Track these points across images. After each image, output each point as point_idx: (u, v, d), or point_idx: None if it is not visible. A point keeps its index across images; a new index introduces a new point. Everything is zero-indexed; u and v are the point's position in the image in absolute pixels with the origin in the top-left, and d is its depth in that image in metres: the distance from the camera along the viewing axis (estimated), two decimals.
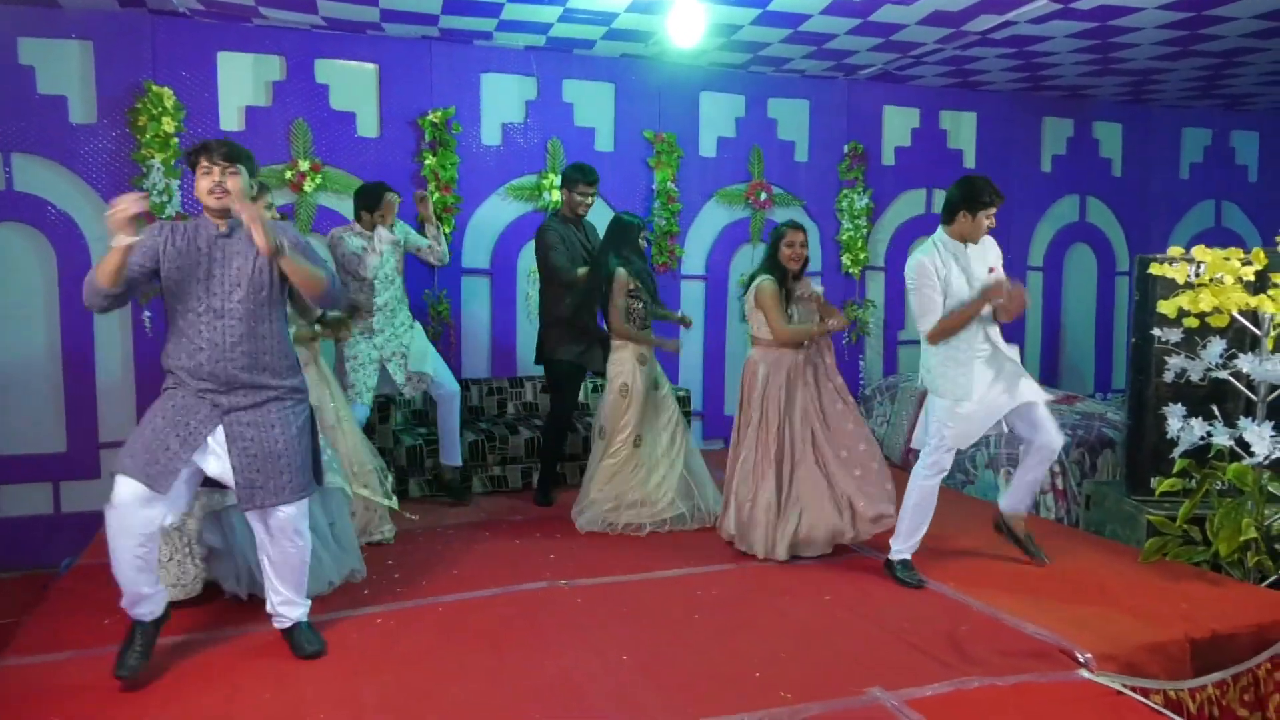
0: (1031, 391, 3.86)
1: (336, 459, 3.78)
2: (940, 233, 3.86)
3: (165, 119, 5.02)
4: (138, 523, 2.79)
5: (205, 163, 2.89)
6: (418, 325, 4.88)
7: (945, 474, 3.93)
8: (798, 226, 4.25)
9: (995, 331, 3.86)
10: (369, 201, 4.63)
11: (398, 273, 4.77)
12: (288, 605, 3.11)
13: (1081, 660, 3.08)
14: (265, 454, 2.91)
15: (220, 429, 2.89)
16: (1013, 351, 3.90)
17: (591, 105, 5.99)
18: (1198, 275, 4.23)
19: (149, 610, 2.92)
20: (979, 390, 3.81)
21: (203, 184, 2.89)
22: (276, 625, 3.13)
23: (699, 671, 3.03)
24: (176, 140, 5.08)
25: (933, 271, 3.77)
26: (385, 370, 4.71)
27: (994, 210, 3.83)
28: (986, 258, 3.89)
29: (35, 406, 5.03)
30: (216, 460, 2.90)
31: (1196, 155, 7.71)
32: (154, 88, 5.02)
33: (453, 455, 4.98)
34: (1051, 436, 3.88)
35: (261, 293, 2.94)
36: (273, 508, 2.95)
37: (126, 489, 2.79)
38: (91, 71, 5.01)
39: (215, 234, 2.92)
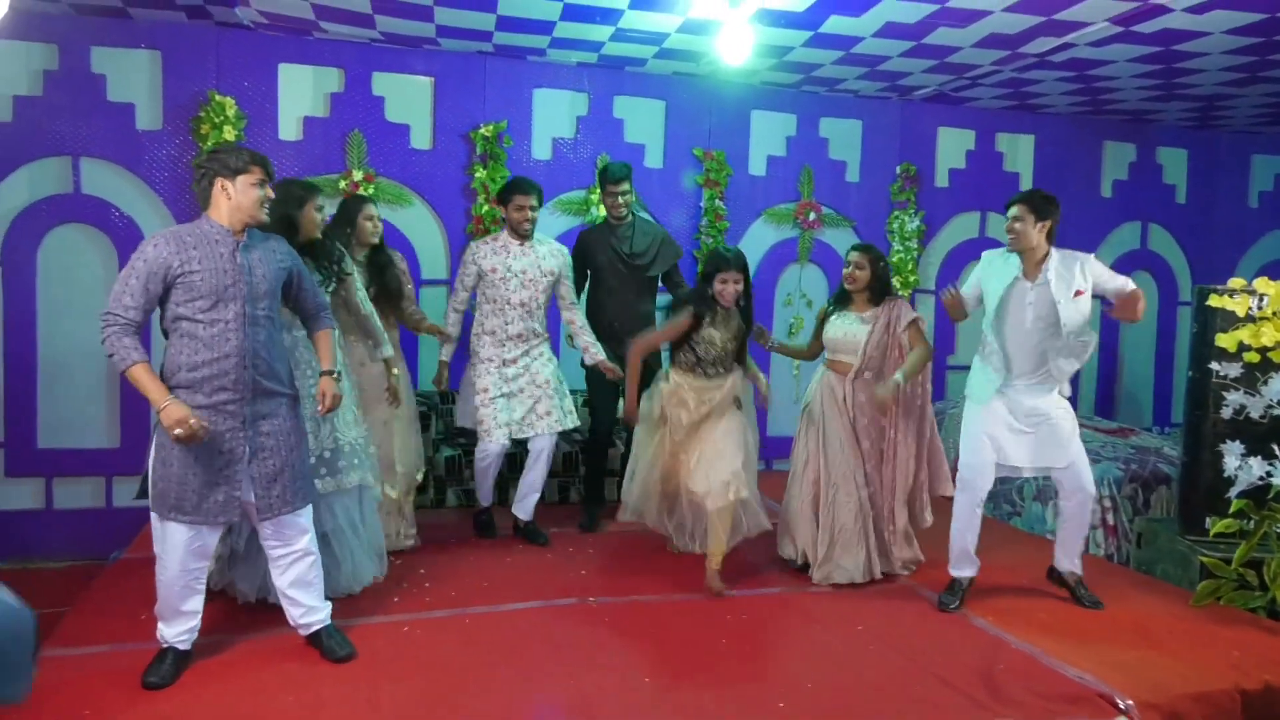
0: (1060, 456, 3.77)
1: (370, 457, 3.77)
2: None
3: (227, 127, 5.16)
4: (201, 551, 2.91)
5: (261, 175, 2.92)
6: (554, 361, 4.60)
7: (977, 494, 3.83)
8: (859, 248, 4.19)
9: (1054, 369, 3.74)
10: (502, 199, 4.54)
11: (541, 294, 4.47)
12: (310, 614, 3.13)
13: (1122, 707, 2.97)
14: (283, 462, 2.96)
15: (247, 446, 2.90)
16: (1051, 402, 3.76)
17: (642, 122, 6.01)
18: (1260, 308, 4.09)
19: (186, 635, 2.96)
20: (989, 402, 3.80)
21: (254, 195, 2.90)
22: (301, 633, 3.16)
23: (722, 696, 2.98)
24: None
25: (982, 265, 3.94)
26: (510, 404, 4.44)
27: (1009, 215, 3.77)
28: (1069, 282, 3.68)
29: (91, 402, 5.19)
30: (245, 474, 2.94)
31: (1266, 184, 7.45)
32: (217, 97, 5.16)
33: (527, 508, 4.60)
34: (1080, 495, 3.83)
35: (278, 300, 3.03)
36: (291, 514, 2.99)
37: (182, 534, 2.85)
38: (159, 80, 5.18)
39: (237, 242, 2.90)
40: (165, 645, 2.96)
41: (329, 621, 3.17)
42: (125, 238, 5.16)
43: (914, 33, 4.95)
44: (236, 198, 2.89)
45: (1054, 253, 3.73)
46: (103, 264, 5.16)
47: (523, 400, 4.41)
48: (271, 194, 2.98)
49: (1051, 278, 3.69)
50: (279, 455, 2.95)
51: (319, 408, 3.19)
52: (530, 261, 4.42)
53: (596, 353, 4.57)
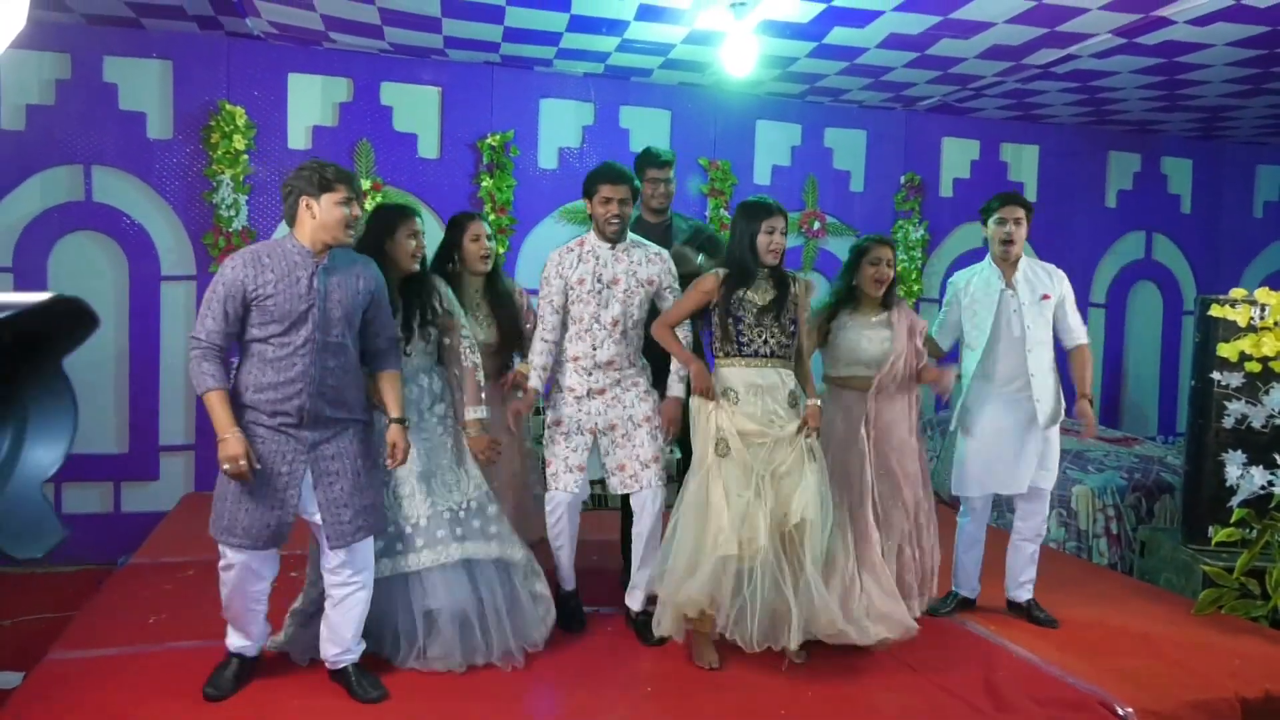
0: (1046, 478, 3.76)
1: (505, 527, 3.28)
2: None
3: (236, 136, 5.22)
4: (257, 576, 2.86)
5: (347, 193, 2.77)
6: (655, 395, 3.61)
7: (975, 514, 3.81)
8: (886, 241, 3.70)
9: (1042, 382, 3.68)
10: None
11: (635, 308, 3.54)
12: (346, 652, 2.96)
13: (1121, 714, 2.98)
14: (351, 486, 2.83)
15: (309, 470, 2.80)
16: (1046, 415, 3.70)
17: (648, 131, 6.05)
18: (1261, 318, 4.10)
19: (251, 646, 2.96)
20: (985, 426, 3.71)
21: (339, 214, 2.76)
22: (329, 666, 3.00)
23: (722, 704, 3.00)
24: (246, 157, 5.27)
25: (959, 291, 3.83)
26: (597, 445, 3.53)
27: (1005, 214, 3.71)
28: (1035, 286, 3.74)
29: (100, 408, 5.24)
30: (309, 497, 2.83)
31: (1271, 194, 7.46)
32: (227, 106, 5.22)
33: (637, 598, 3.55)
34: (1041, 518, 3.79)
35: (354, 328, 2.87)
36: (361, 541, 2.87)
37: (243, 557, 2.79)
38: (170, 90, 5.24)
39: (318, 265, 2.79)
40: (230, 651, 2.94)
41: (358, 659, 2.98)
42: (136, 245, 5.22)
43: (917, 44, 4.98)
44: (321, 217, 2.76)
45: (1024, 258, 3.79)
46: (113, 271, 5.22)
47: (615, 441, 3.48)
48: (358, 213, 2.82)
49: (1020, 280, 3.73)
50: (346, 479, 2.83)
51: (388, 460, 2.97)
52: (624, 269, 3.51)
53: (680, 387, 3.54)
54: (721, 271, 3.34)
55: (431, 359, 3.28)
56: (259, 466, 2.73)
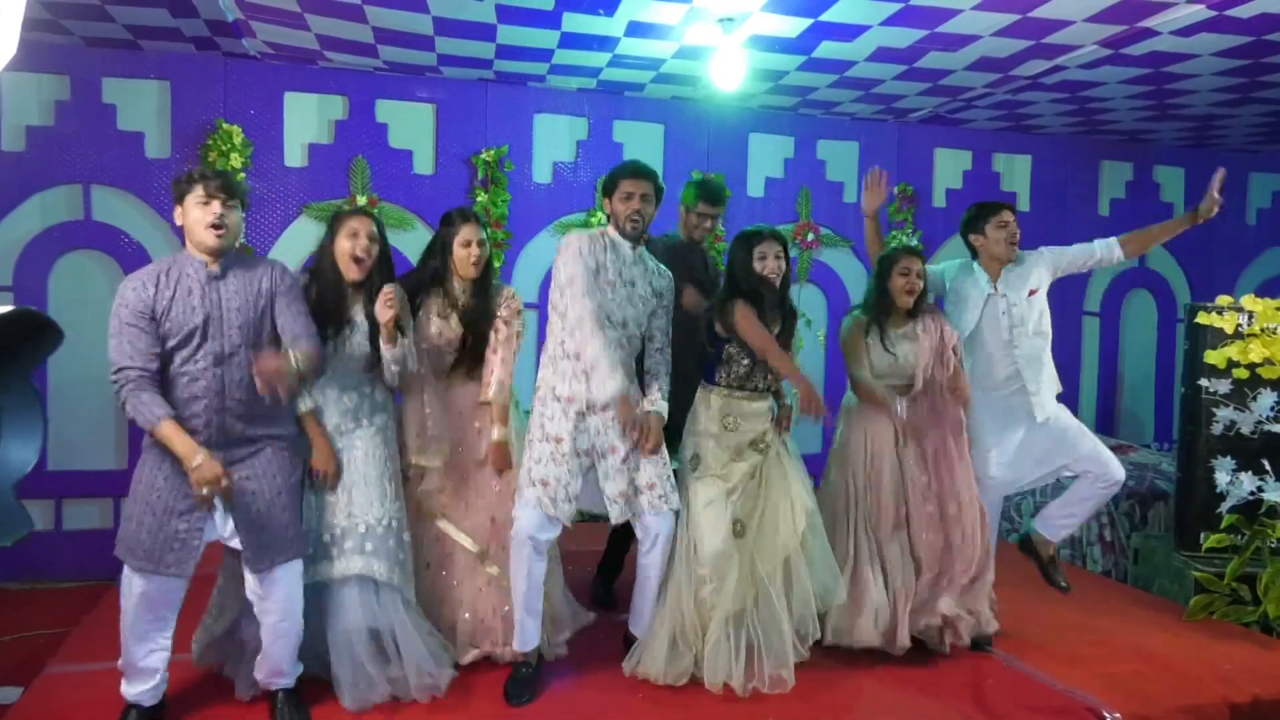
0: (1070, 450, 3.72)
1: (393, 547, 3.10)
2: (974, 264, 3.87)
3: (234, 155, 5.28)
4: (160, 603, 2.70)
5: (202, 193, 2.66)
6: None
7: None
8: (915, 251, 3.63)
9: (1034, 375, 3.72)
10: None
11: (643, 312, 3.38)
12: (277, 678, 2.89)
13: (1109, 719, 3.00)
14: (269, 506, 2.72)
15: (218, 496, 2.66)
16: (1045, 406, 3.74)
17: (641, 145, 6.10)
18: (1248, 325, 4.13)
19: (147, 693, 2.79)
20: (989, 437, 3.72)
21: (199, 215, 2.66)
22: (261, 688, 2.94)
23: (714, 711, 3.02)
24: (243, 175, 5.32)
25: (952, 273, 3.88)
26: (596, 471, 3.25)
27: (1005, 216, 3.77)
28: (1028, 278, 3.79)
29: (99, 425, 5.28)
30: (223, 519, 2.72)
31: (1264, 201, 7.49)
32: (224, 125, 5.28)
33: (639, 622, 3.37)
34: (1105, 480, 3.68)
35: (262, 335, 2.76)
36: (280, 565, 2.74)
37: (142, 584, 2.65)
38: (168, 109, 5.30)
39: (209, 274, 2.71)
40: (128, 702, 2.80)
41: (291, 686, 2.90)
42: (135, 263, 5.22)
43: (905, 57, 5.03)
44: (186, 220, 2.70)
45: None
46: (112, 289, 5.16)
47: (614, 465, 3.18)
48: (219, 211, 2.67)
49: (1007, 279, 3.79)
50: (262, 499, 2.72)
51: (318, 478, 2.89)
52: (642, 273, 3.30)
53: (663, 404, 3.32)
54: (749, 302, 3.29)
55: (371, 369, 3.12)
56: (234, 482, 2.64)
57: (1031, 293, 3.73)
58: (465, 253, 3.25)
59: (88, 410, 5.26)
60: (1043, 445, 3.72)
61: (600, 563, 4.16)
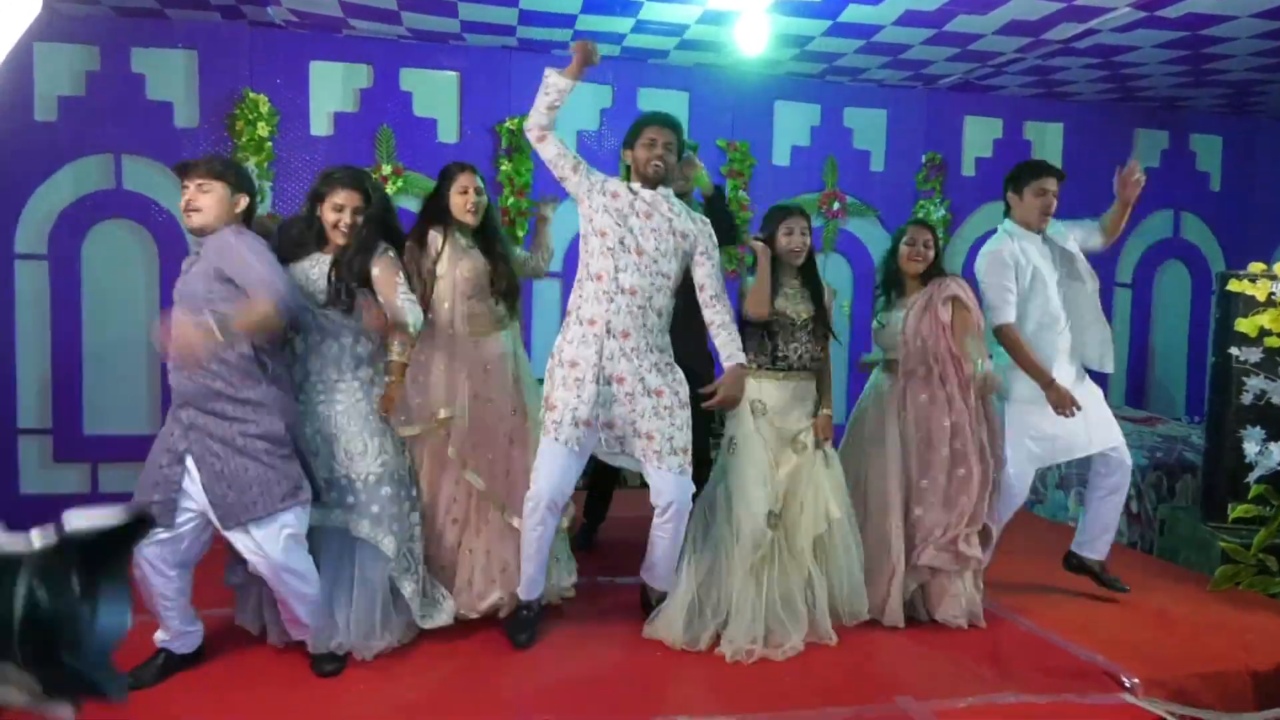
0: (1110, 435, 3.67)
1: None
2: (1007, 222, 3.78)
3: (260, 124, 5.33)
4: (160, 566, 2.79)
5: (181, 180, 2.85)
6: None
7: (1016, 501, 3.69)
8: (923, 224, 3.69)
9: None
10: None
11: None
12: (295, 627, 3.00)
13: (1127, 684, 2.99)
14: (233, 470, 2.76)
15: (190, 452, 2.77)
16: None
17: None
18: None
19: (173, 643, 2.92)
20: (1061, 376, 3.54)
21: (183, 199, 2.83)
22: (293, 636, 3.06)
23: (726, 671, 3.05)
24: (270, 144, 5.38)
25: (1006, 259, 3.61)
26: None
27: (1046, 184, 3.66)
28: (1064, 237, 3.73)
29: (133, 390, 5.38)
30: (192, 483, 2.78)
31: None
32: (251, 94, 5.32)
33: (661, 578, 3.35)
34: (1122, 473, 3.70)
35: (211, 303, 2.77)
36: (250, 524, 2.77)
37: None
38: (195, 79, 5.35)
39: (195, 254, 2.88)
40: (159, 647, 2.92)
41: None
42: (166, 233, 5.34)
43: (934, 20, 4.95)
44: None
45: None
46: (143, 258, 5.35)
47: (618, 394, 3.11)
48: (189, 195, 2.81)
49: (1062, 234, 3.74)
50: (227, 463, 2.77)
51: None
52: (663, 218, 3.17)
53: (740, 355, 3.23)
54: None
55: (355, 321, 3.06)
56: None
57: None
58: (463, 200, 3.34)
59: (123, 375, 5.38)
60: (1089, 418, 3.58)
61: (583, 508, 4.23)
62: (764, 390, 3.37)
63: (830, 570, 3.32)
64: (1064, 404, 3.40)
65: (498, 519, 3.34)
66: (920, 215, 6.51)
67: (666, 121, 3.23)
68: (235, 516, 2.75)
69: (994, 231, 6.76)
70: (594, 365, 3.07)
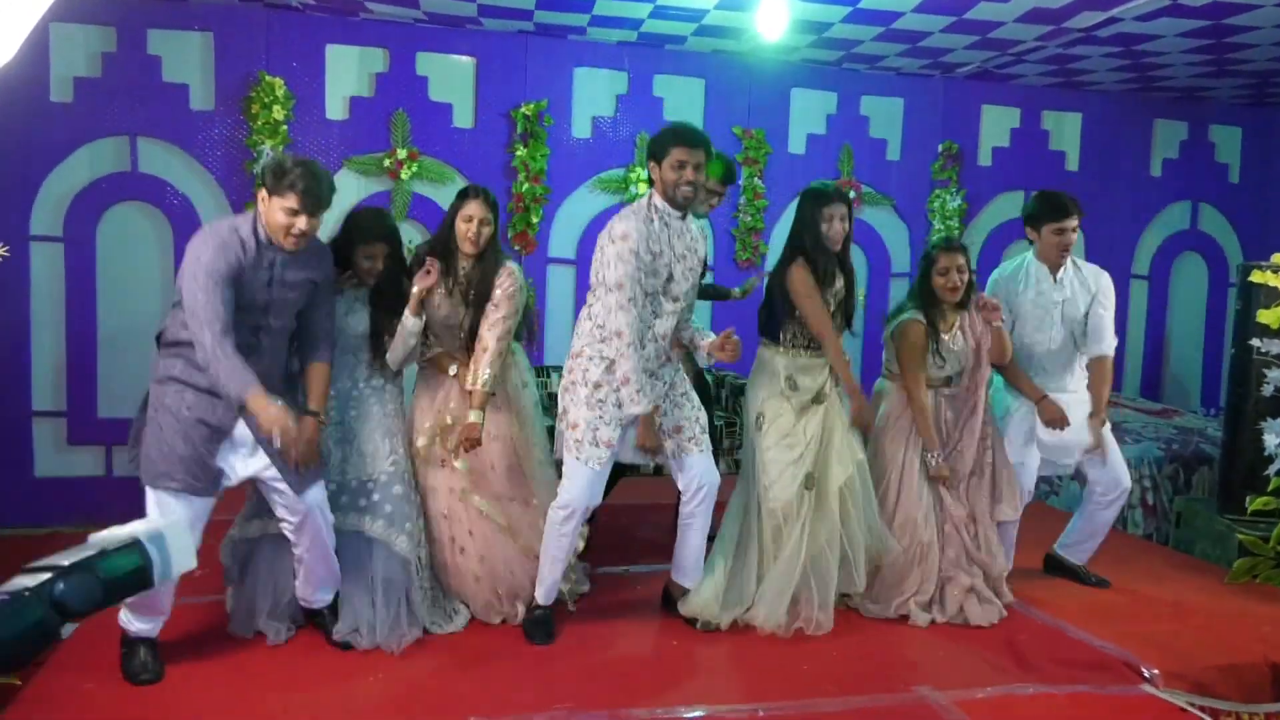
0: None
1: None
2: (1029, 257, 3.82)
3: (276, 107, 5.31)
4: (197, 529, 2.87)
5: (295, 204, 2.76)
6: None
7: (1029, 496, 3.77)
8: (954, 247, 3.55)
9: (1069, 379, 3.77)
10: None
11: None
12: (324, 591, 3.13)
13: (1146, 675, 2.98)
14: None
15: (241, 423, 2.85)
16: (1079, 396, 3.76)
17: (681, 100, 6.04)
18: None
19: (149, 628, 2.91)
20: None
21: (281, 219, 2.78)
22: (303, 605, 3.17)
23: (746, 660, 3.05)
24: (286, 127, 5.36)
25: (1009, 283, 3.78)
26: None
27: (1065, 225, 3.65)
28: (1078, 291, 3.72)
29: (147, 372, 5.34)
30: (243, 460, 2.88)
31: None
32: (267, 77, 5.31)
33: (691, 573, 3.36)
34: (1119, 490, 3.78)
35: (294, 319, 3.01)
36: (313, 485, 2.94)
37: (176, 505, 2.82)
38: (211, 61, 5.34)
39: (281, 257, 2.87)
40: (136, 638, 2.89)
41: (330, 602, 3.15)
42: (180, 215, 5.34)
43: (954, 7, 4.91)
44: (275, 219, 2.82)
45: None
46: (158, 241, 5.35)
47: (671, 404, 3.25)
48: (303, 226, 2.80)
49: (1065, 278, 3.74)
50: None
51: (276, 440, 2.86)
52: (689, 244, 3.23)
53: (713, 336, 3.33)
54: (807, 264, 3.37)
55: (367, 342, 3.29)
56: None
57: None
58: (465, 227, 3.23)
59: (136, 358, 5.35)
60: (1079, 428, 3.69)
61: None
62: (797, 366, 3.40)
63: (855, 516, 3.35)
64: (1055, 420, 3.58)
65: (504, 540, 3.33)
66: (935, 205, 6.47)
67: (696, 140, 3.12)
68: (315, 477, 2.95)
69: (1012, 223, 6.76)
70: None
